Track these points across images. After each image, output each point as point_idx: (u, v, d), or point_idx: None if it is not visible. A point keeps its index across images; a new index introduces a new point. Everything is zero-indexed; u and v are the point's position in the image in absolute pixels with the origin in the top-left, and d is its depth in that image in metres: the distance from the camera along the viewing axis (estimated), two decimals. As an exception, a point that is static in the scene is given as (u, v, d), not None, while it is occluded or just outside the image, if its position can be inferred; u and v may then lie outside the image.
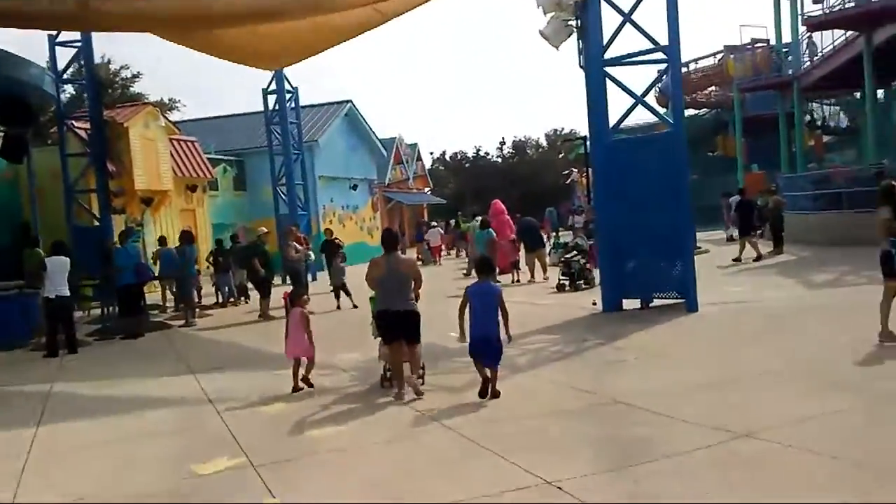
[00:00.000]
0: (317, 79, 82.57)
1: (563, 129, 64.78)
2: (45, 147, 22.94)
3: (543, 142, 70.07)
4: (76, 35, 18.70)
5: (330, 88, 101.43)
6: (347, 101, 33.34)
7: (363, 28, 14.45)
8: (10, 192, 20.44)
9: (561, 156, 61.44)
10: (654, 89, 14.48)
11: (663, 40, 11.57)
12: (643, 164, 11.71)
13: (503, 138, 71.49)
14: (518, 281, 17.76)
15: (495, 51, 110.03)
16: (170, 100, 44.56)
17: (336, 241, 16.76)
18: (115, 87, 39.57)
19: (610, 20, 12.00)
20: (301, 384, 7.86)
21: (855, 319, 8.79)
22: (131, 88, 40.36)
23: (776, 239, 19.03)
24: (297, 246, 15.40)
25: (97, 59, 40.17)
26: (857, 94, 32.97)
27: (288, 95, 23.89)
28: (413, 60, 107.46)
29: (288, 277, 15.07)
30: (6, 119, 17.43)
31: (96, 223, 18.59)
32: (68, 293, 11.40)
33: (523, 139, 70.59)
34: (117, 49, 73.00)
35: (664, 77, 12.33)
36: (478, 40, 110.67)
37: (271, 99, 23.93)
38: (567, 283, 15.65)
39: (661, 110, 22.78)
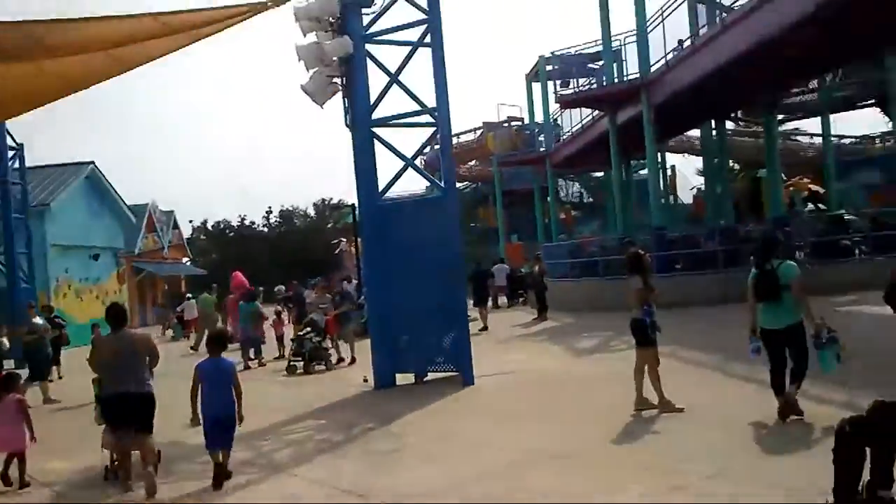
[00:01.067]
0: (57, 138, 74.84)
1: (331, 198, 64.26)
2: None
3: (312, 211, 69.09)
4: None
5: (70, 150, 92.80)
6: (89, 163, 29.90)
7: (98, 76, 12.59)
8: None
9: (330, 225, 60.88)
10: (421, 158, 14.13)
11: (433, 104, 11.22)
12: (414, 230, 11.08)
13: (270, 207, 69.49)
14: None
15: (261, 112, 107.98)
16: None
17: (55, 318, 14.28)
18: None
19: (377, 79, 11.47)
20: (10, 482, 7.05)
21: (617, 387, 8.68)
22: None
23: (541, 305, 19.45)
24: (37, 323, 13.30)
25: None
26: (598, 173, 36.19)
27: (11, 153, 20.68)
28: (170, 120, 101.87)
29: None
30: None
31: None
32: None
33: (291, 208, 69.09)
34: None
35: (434, 139, 11.90)
36: (240, 100, 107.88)
37: (-11, 156, 20.54)
38: (299, 363, 13.80)
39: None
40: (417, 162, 12.63)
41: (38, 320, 13.71)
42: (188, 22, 10.69)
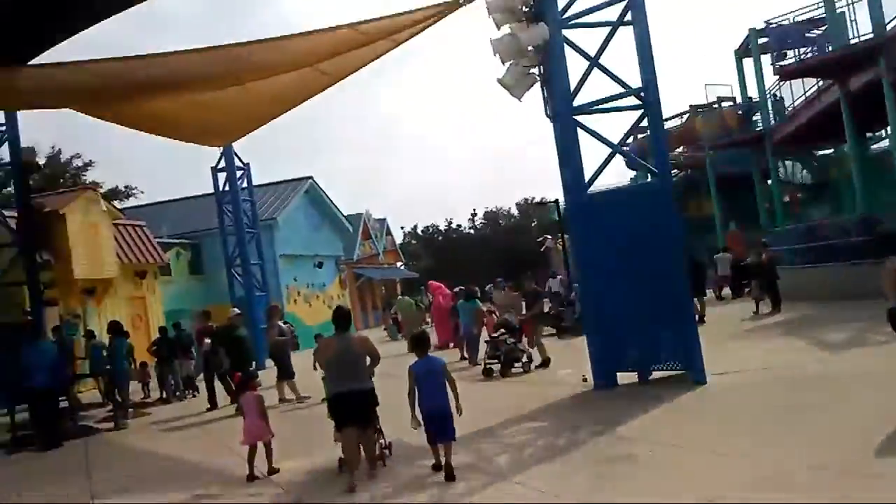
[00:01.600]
0: (276, 156, 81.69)
1: (534, 197, 64.20)
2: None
3: (515, 211, 69.46)
4: (1, 118, 17.30)
5: (291, 166, 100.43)
6: (307, 178, 32.10)
7: (308, 92, 13.17)
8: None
9: (534, 223, 60.78)
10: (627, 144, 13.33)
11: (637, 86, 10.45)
12: (627, 220, 10.32)
13: (475, 210, 70.87)
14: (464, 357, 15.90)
15: (462, 117, 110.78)
16: (126, 187, 43.15)
17: (285, 323, 15.05)
18: (66, 177, 38.12)
19: (577, 65, 10.87)
20: (257, 474, 7.45)
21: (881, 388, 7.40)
22: (83, 177, 38.87)
23: (773, 296, 17.68)
24: (283, 326, 13.98)
25: (48, 150, 39.15)
26: (824, 151, 32.61)
27: (239, 172, 22.53)
28: (378, 132, 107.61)
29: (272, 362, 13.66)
30: None
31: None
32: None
33: (495, 209, 69.99)
34: (68, 139, 71.62)
35: (642, 123, 11.07)
36: (440, 108, 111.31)
37: (221, 177, 22.54)
38: (495, 366, 13.28)
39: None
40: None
41: (283, 324, 14.58)
42: (385, 29, 10.77)
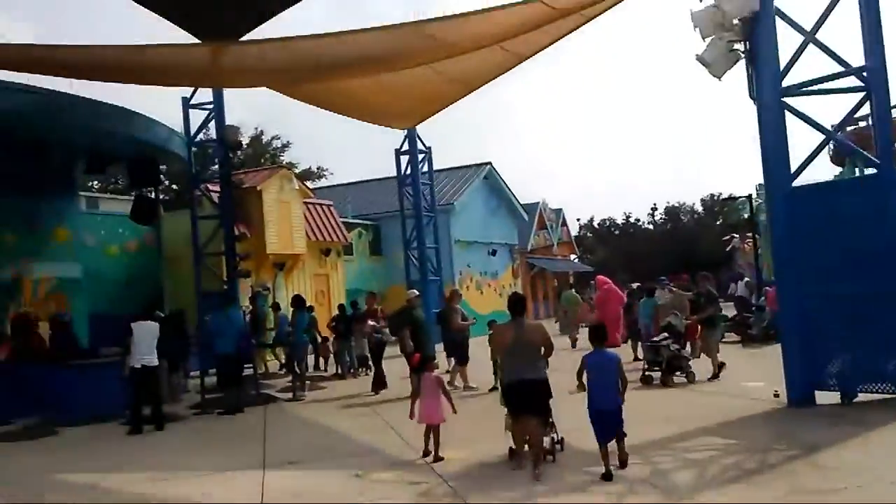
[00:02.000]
0: (455, 141, 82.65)
1: (721, 193, 60.51)
2: (177, 211, 23.04)
3: (699, 207, 65.91)
4: (209, 96, 18.59)
5: (469, 152, 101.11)
6: (486, 164, 32.12)
7: (492, 72, 12.91)
8: (150, 258, 20.44)
9: (719, 222, 57.26)
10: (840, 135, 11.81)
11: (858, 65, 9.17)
12: (842, 218, 9.14)
13: (655, 204, 68.10)
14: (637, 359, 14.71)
15: (643, 107, 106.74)
16: (318, 168, 45.58)
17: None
18: (266, 156, 40.85)
19: (788, 40, 9.73)
20: (430, 449, 7.57)
21: None
22: (281, 157, 41.50)
23: None
24: (465, 312, 13.98)
25: (251, 131, 42.17)
26: None
27: (421, 156, 22.85)
28: (557, 119, 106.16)
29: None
30: (133, 180, 17.34)
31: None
32: (156, 362, 10.28)
33: (677, 205, 66.82)
34: (271, 121, 76.70)
35: (865, 106, 9.72)
36: (620, 96, 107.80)
37: (404, 160, 22.97)
38: (655, 373, 12.18)
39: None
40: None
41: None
42: (580, 2, 10.21)
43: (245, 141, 42.14)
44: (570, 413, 7.51)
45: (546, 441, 7.18)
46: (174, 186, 36.97)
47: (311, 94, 13.96)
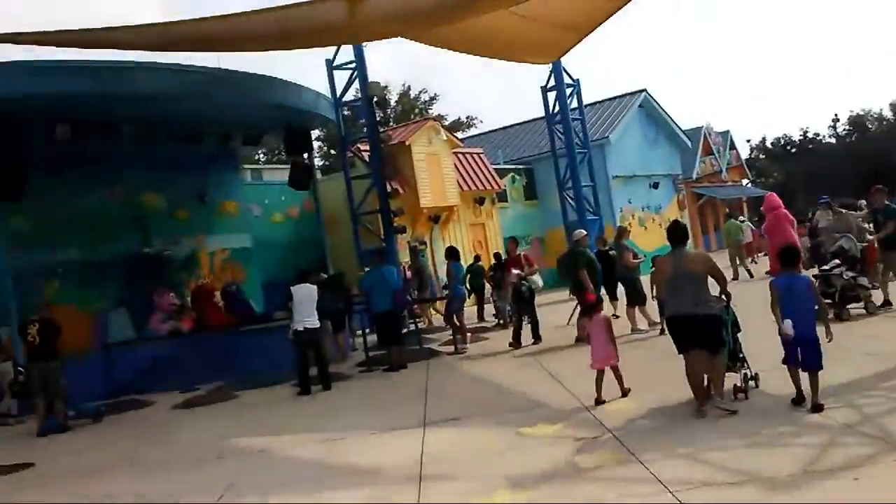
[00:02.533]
0: (604, 71, 78.94)
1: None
2: (334, 174, 23.53)
3: (888, 113, 59.14)
4: (351, 56, 18.64)
5: (621, 81, 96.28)
6: (641, 91, 30.22)
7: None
8: (312, 223, 21.09)
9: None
10: None
11: None
12: None
13: (836, 115, 61.87)
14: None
15: (808, 3, 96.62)
16: (467, 117, 45.31)
17: (609, 251, 14.00)
18: (415, 112, 41.10)
19: None
20: (604, 398, 7.30)
21: None
22: (430, 111, 41.62)
23: None
24: (636, 251, 13.41)
25: (399, 88, 42.55)
26: None
27: (569, 90, 21.78)
28: (714, 35, 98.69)
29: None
30: (288, 148, 17.76)
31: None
32: (317, 324, 10.41)
33: (861, 112, 60.34)
34: (416, 77, 77.09)
35: None
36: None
37: (551, 97, 22.00)
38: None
39: None
40: None
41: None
42: None
43: (393, 98, 42.75)
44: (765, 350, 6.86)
45: (738, 378, 6.73)
46: (332, 151, 38.14)
47: (447, 37, 13.42)
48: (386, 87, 39.75)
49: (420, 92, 43.06)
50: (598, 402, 7.29)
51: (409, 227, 20.81)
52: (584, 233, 12.65)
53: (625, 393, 7.42)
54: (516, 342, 11.73)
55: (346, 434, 7.50)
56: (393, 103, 42.68)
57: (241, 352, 12.92)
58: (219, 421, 9.17)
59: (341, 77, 19.06)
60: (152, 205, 17.20)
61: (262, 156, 38.60)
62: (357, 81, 18.61)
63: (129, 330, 15.70)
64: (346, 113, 19.55)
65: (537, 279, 12.82)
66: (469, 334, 13.17)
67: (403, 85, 42.87)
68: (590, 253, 11.86)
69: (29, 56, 12.37)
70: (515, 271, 11.78)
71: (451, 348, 12.62)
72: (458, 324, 12.74)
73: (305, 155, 17.99)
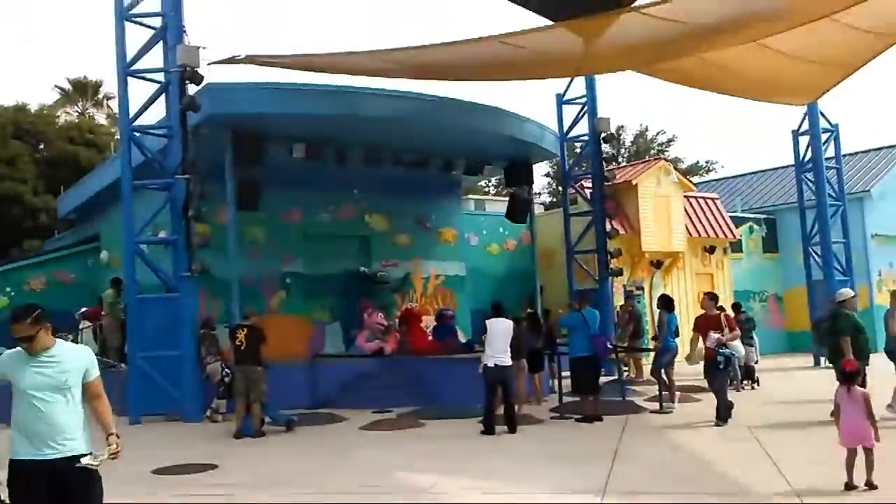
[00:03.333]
0: (869, 116, 70.22)
1: None
2: (555, 210, 23.01)
3: None
4: (582, 91, 18.14)
5: (889, 128, 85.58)
6: (909, 143, 26.41)
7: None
8: (526, 257, 20.77)
9: None
10: None
11: None
12: None
13: None
14: None
15: None
16: (706, 161, 42.77)
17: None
18: (650, 153, 39.53)
19: None
20: (856, 483, 6.22)
21: None
22: (666, 153, 39.76)
23: None
24: None
25: (637, 128, 41.25)
26: None
27: (825, 136, 19.43)
28: None
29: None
30: (508, 179, 17.58)
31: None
32: (509, 362, 9.87)
33: None
34: (654, 117, 74.09)
35: None
36: None
37: (803, 143, 19.75)
38: None
39: None
40: None
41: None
42: None
43: (628, 138, 41.52)
44: None
45: None
46: (559, 188, 37.77)
47: (687, 72, 12.41)
48: (621, 126, 38.79)
49: (658, 133, 41.45)
50: (849, 487, 6.20)
51: (627, 270, 19.73)
52: (852, 293, 10.76)
53: (871, 485, 6.17)
54: (719, 418, 10.05)
55: (514, 488, 6.85)
56: (628, 143, 41.45)
57: (438, 379, 12.78)
58: (397, 449, 8.95)
59: (570, 112, 18.63)
60: (376, 226, 17.86)
61: (490, 186, 39.21)
62: (586, 117, 18.08)
63: (340, 344, 16.34)
64: (576, 150, 18.94)
65: (738, 346, 11.27)
66: (678, 393, 11.91)
67: (640, 125, 41.60)
68: (856, 317, 10.08)
69: (258, 77, 13.32)
70: (715, 335, 9.70)
71: (656, 405, 11.46)
72: (665, 380, 11.57)
73: (526, 188, 17.74)
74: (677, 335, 11.84)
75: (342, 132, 14.13)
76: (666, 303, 11.86)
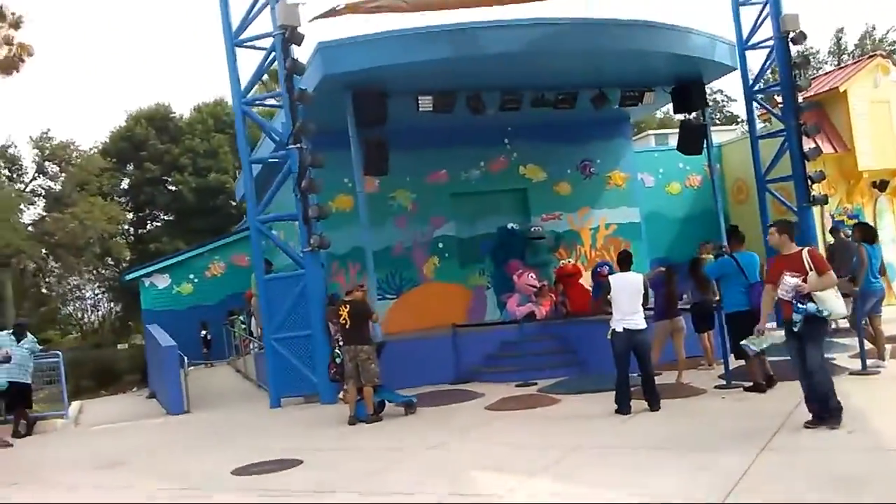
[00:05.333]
0: None
1: None
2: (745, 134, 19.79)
3: None
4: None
5: None
6: None
7: None
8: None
9: None
10: None
11: None
12: None
13: None
14: None
15: None
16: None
17: None
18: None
19: None
20: None
21: None
22: (901, 51, 33.42)
23: None
24: None
25: (863, 27, 35.08)
26: None
27: None
28: None
29: None
30: (677, 105, 15.15)
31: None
32: (642, 324, 8.00)
33: None
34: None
35: None
36: None
37: None
38: None
39: None
40: None
41: None
42: None
43: (852, 42, 35.52)
44: None
45: None
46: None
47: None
48: (841, 28, 33.22)
49: (889, 31, 34.96)
50: None
51: (841, 195, 16.45)
52: None
53: None
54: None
55: (612, 494, 5.21)
56: (851, 47, 35.48)
57: (587, 344, 11.17)
58: (505, 437, 7.62)
59: (751, 15, 15.63)
60: (533, 176, 16.36)
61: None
62: (770, 19, 15.02)
63: (496, 310, 15.18)
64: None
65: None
66: (889, 346, 9.26)
67: (866, 25, 35.38)
68: None
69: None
70: (790, 277, 6.16)
71: (858, 363, 8.96)
72: (871, 330, 9.02)
73: (698, 113, 15.22)
74: (883, 273, 9.17)
75: (469, 76, 12.74)
76: (865, 232, 9.24)
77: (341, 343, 9.23)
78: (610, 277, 8.25)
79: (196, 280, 19.52)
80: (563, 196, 16.63)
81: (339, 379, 9.39)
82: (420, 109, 12.88)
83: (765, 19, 15.20)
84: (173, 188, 37.60)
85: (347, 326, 9.02)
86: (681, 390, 8.83)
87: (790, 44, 14.55)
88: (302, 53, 11.82)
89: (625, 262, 8.24)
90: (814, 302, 6.07)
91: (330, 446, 7.99)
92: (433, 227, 15.47)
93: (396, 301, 15.00)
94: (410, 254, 15.26)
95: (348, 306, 9.09)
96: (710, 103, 25.67)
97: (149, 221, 40.14)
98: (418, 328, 13.59)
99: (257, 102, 12.11)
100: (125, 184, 39.29)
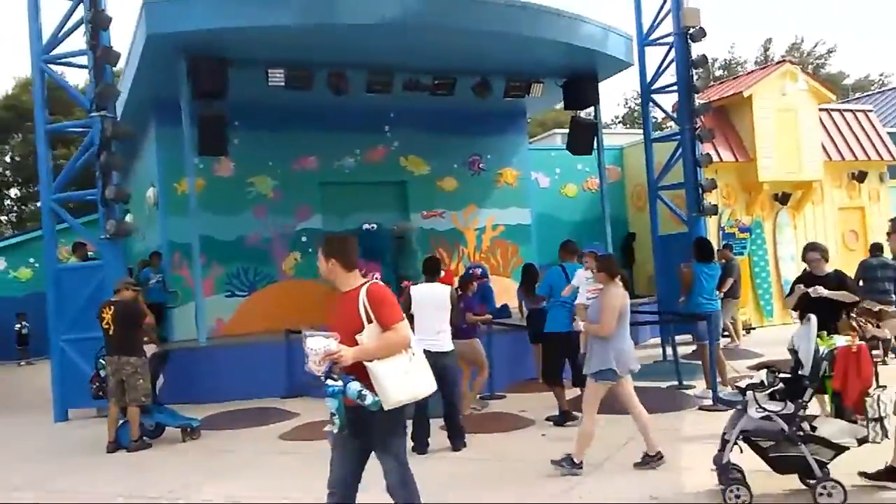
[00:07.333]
0: None
1: None
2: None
3: None
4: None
5: None
6: None
7: None
8: (616, 196, 16.98)
9: None
10: None
11: None
12: None
13: None
14: None
15: None
16: (880, 75, 35.54)
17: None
18: (807, 69, 33.26)
19: None
20: None
21: None
22: (826, 67, 33.31)
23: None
24: None
25: (791, 39, 34.78)
26: None
27: None
28: None
29: None
30: (566, 100, 13.92)
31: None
32: (447, 346, 6.60)
33: None
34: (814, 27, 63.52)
35: None
36: None
37: None
38: None
39: None
40: None
41: None
42: None
43: (778, 53, 35.25)
44: None
45: None
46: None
47: None
48: (768, 39, 32.86)
49: (816, 44, 34.79)
50: None
51: (741, 207, 15.47)
52: None
53: None
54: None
55: None
56: (777, 60, 35.14)
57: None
58: (269, 482, 6.16)
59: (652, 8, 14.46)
60: (415, 169, 14.95)
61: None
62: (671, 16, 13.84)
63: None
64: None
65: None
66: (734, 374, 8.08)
67: (795, 37, 35.17)
68: None
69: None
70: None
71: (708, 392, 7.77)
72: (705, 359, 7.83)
73: (590, 111, 14.02)
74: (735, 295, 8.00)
75: (328, 50, 11.23)
76: (699, 249, 8.05)
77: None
78: (411, 289, 6.79)
79: (37, 265, 17.49)
80: (447, 192, 15.30)
81: (102, 395, 7.72)
82: (270, 83, 11.35)
83: (667, 14, 14.06)
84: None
85: (111, 332, 7.39)
86: (505, 422, 7.47)
87: (689, 41, 13.43)
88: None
89: (431, 270, 6.79)
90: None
91: (45, 485, 6.35)
92: (297, 218, 13.92)
93: (247, 298, 13.42)
94: (269, 246, 13.67)
95: (112, 308, 7.46)
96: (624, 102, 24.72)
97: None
98: (269, 330, 12.04)
99: (61, 61, 10.29)
100: (8, 157, 36.21)
